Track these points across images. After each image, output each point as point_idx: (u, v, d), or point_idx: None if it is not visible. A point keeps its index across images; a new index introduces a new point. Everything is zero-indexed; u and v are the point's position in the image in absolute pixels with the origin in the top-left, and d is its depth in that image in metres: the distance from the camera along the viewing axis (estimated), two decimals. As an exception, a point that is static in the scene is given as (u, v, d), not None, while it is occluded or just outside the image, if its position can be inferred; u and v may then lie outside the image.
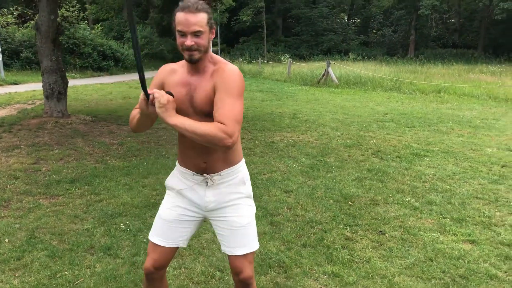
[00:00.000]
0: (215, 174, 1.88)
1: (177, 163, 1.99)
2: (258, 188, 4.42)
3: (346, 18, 44.07)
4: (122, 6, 37.33)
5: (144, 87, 1.67)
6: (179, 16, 1.70)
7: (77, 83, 15.89)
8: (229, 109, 1.68)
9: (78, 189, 4.39)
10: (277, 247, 3.19)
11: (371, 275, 2.82)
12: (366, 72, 17.73)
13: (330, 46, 34.72)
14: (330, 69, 16.29)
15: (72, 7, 21.83)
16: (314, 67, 20.26)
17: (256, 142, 6.69)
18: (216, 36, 28.39)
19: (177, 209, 1.94)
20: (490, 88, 13.31)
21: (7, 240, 3.20)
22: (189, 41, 1.69)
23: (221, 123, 1.65)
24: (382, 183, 4.74)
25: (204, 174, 1.88)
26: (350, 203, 4.13)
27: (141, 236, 3.31)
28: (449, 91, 13.72)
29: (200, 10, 1.68)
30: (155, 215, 3.51)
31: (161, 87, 1.85)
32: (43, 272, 2.77)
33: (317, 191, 4.45)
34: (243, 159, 2.00)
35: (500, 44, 33.18)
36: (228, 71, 1.76)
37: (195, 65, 1.78)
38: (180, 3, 1.70)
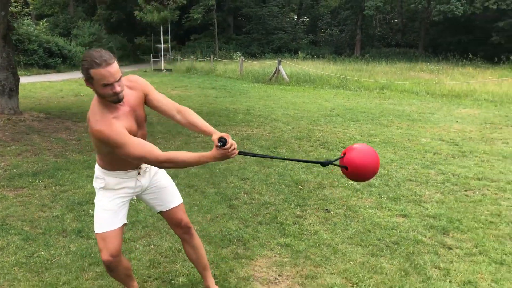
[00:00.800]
0: (143, 165, 2.23)
1: (103, 171, 2.18)
2: (216, 177, 4.77)
3: (295, 18, 45.09)
4: (67, 1, 36.27)
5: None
6: (101, 71, 1.86)
7: (23, 81, 15.39)
8: (168, 102, 2.19)
9: (41, 181, 4.55)
10: (236, 225, 3.56)
11: (318, 244, 3.25)
12: (315, 70, 18.44)
13: (281, 44, 35.49)
14: (281, 67, 16.84)
15: (15, 1, 21.11)
16: (265, 65, 20.77)
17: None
18: (166, 33, 28.39)
19: (118, 199, 2.19)
20: (428, 85, 14.33)
21: (-21, 228, 3.37)
22: (117, 88, 1.92)
23: (179, 109, 2.18)
24: (328, 170, 5.22)
25: (138, 168, 2.21)
26: (300, 187, 4.57)
27: (109, 220, 3.57)
28: (391, 88, 14.61)
29: (112, 58, 1.91)
30: (121, 202, 3.78)
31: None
32: (20, 253, 2.98)
33: (271, 177, 4.86)
34: None
35: (439, 44, 35.26)
36: (138, 79, 2.15)
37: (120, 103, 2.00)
38: (93, 61, 1.86)
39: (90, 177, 4.71)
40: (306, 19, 46.09)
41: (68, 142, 6.37)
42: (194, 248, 2.43)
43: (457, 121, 8.71)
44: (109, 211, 2.17)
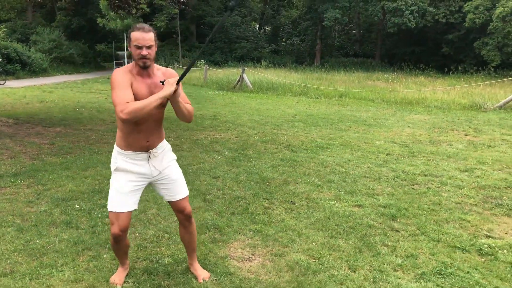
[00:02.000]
0: (154, 148, 2.62)
1: (119, 150, 2.60)
2: (189, 175, 5.16)
3: (257, 27, 45.92)
4: (25, 7, 35.44)
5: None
6: (136, 34, 2.38)
7: (-16, 87, 15.21)
8: (185, 96, 2.54)
9: (23, 181, 4.78)
10: (211, 216, 3.97)
11: (285, 230, 3.71)
12: (278, 78, 19.08)
13: (243, 53, 36.09)
14: (245, 75, 17.36)
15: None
16: (229, 73, 21.25)
17: (182, 139, 7.39)
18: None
19: (130, 183, 2.58)
20: (383, 93, 15.22)
21: (-28, 222, 3.61)
22: (144, 51, 2.39)
23: (187, 102, 2.54)
24: (293, 168, 5.72)
25: (148, 151, 2.59)
26: (268, 183, 5.04)
27: (95, 213, 3.90)
28: (350, 95, 15.41)
29: (151, 30, 2.43)
30: (103, 198, 4.18)
31: (131, 86, 2.43)
32: (17, 241, 3.27)
33: (240, 176, 5.29)
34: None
35: (394, 54, 36.91)
36: (171, 72, 2.59)
37: (146, 71, 2.47)
38: (135, 26, 2.42)
39: (70, 177, 5.00)
40: (267, 28, 47.00)
41: (42, 146, 6.57)
42: (189, 233, 2.83)
43: (408, 126, 9.45)
44: (121, 194, 2.55)
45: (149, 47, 2.40)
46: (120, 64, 27.70)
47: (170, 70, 2.62)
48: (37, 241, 3.30)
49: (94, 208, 4.01)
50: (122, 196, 2.56)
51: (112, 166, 2.61)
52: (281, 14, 44.27)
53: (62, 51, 29.65)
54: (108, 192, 4.39)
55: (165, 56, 33.14)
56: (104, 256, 3.12)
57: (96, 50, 41.92)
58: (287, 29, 43.50)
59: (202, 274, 2.90)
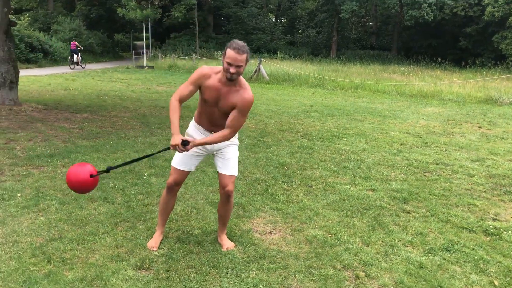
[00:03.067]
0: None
1: (193, 121, 3.10)
2: (212, 159, 5.45)
3: (273, 19, 45.97)
4: (46, -4, 36.11)
5: (165, 149, 2.92)
6: (231, 53, 2.67)
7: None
8: (238, 121, 2.86)
9: (58, 161, 5.14)
10: (234, 195, 4.23)
11: (303, 209, 4.00)
12: (294, 70, 19.28)
13: (260, 44, 36.27)
14: (261, 66, 17.60)
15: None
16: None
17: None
18: (146, 31, 28.75)
19: (193, 148, 2.95)
20: (399, 86, 15.34)
21: (19, 195, 3.97)
22: (233, 70, 2.70)
23: (230, 127, 2.83)
24: (309, 155, 5.99)
25: (212, 132, 2.98)
26: (286, 168, 5.32)
27: (128, 190, 4.23)
28: (365, 88, 15.58)
29: (245, 52, 2.70)
30: (133, 178, 4.52)
31: (197, 86, 2.88)
32: (61, 212, 3.62)
33: (260, 161, 5.59)
34: None
35: (410, 47, 36.72)
36: (247, 95, 2.83)
37: (229, 81, 2.79)
38: (232, 44, 2.70)
39: (101, 158, 5.35)
40: (284, 20, 47.04)
41: (72, 130, 6.94)
42: (225, 208, 3.15)
43: (423, 118, 9.63)
44: (183, 154, 3.00)
45: (238, 67, 2.70)
46: (138, 54, 28.12)
47: (246, 97, 2.82)
48: (78, 212, 3.65)
49: (126, 186, 4.35)
50: (183, 157, 3.02)
51: (187, 131, 3.09)
52: (297, 5, 44.23)
53: (82, 40, 30.20)
54: (138, 172, 4.73)
55: (182, 46, 33.48)
56: (140, 227, 3.45)
57: (114, 39, 42.54)
58: (303, 21, 43.53)
59: (227, 244, 3.21)
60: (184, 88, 2.88)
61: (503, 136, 7.67)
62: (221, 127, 2.92)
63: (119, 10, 27.59)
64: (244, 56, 2.70)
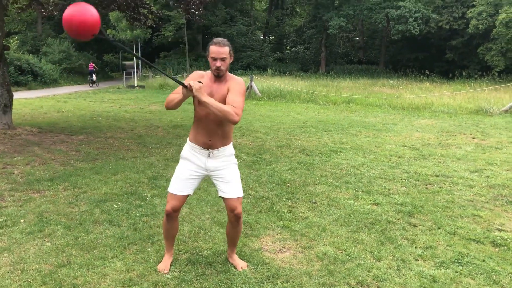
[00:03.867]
0: (215, 149, 2.94)
1: (188, 140, 3.03)
2: (214, 178, 5.44)
3: (262, 36, 46.42)
4: (35, 19, 36.11)
5: (181, 83, 2.63)
6: (212, 48, 2.76)
7: None
8: (237, 100, 2.76)
9: (59, 185, 5.09)
10: (240, 214, 4.25)
11: (310, 226, 3.99)
12: (285, 86, 19.43)
13: (249, 61, 36.56)
14: (253, 83, 17.70)
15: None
16: (236, 82, 21.58)
17: (184, 138, 7.68)
18: (137, 50, 28.83)
19: (188, 171, 2.98)
20: (390, 99, 15.51)
21: (22, 221, 3.92)
22: (218, 63, 2.76)
23: (232, 105, 2.71)
24: (310, 171, 6.01)
25: (209, 149, 2.93)
26: (288, 185, 5.32)
27: (133, 212, 4.19)
28: (357, 102, 15.72)
29: (226, 45, 2.78)
30: (137, 199, 4.49)
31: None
32: (67, 237, 3.57)
33: (261, 178, 5.58)
34: (232, 142, 3.07)
35: (398, 60, 37.31)
36: (237, 79, 2.87)
37: (218, 78, 2.84)
38: (214, 40, 2.79)
39: (102, 180, 5.31)
40: (272, 37, 47.50)
41: (69, 153, 6.89)
42: (235, 230, 3.11)
43: (417, 130, 9.73)
44: (179, 179, 2.97)
45: (223, 59, 2.76)
46: (129, 74, 28.15)
47: (236, 79, 2.88)
48: (85, 237, 3.60)
49: (131, 208, 4.31)
50: (179, 181, 2.97)
51: (181, 154, 3.05)
52: (285, 22, 44.77)
53: (72, 62, 30.22)
54: (140, 193, 4.71)
55: (172, 65, 33.60)
56: (148, 249, 3.41)
57: (104, 60, 42.55)
58: (291, 37, 44.01)
59: (240, 263, 3.19)
60: (177, 89, 2.83)
61: (498, 146, 7.77)
62: (218, 137, 2.90)
63: (109, 31, 27.69)
64: (226, 48, 2.77)
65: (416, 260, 3.33)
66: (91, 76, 26.40)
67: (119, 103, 15.91)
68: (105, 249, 3.37)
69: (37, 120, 10.56)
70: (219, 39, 2.82)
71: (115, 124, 10.25)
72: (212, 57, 2.78)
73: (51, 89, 23.35)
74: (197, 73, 2.97)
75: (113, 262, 3.17)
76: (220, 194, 3.02)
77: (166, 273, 3.04)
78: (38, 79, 24.37)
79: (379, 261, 3.29)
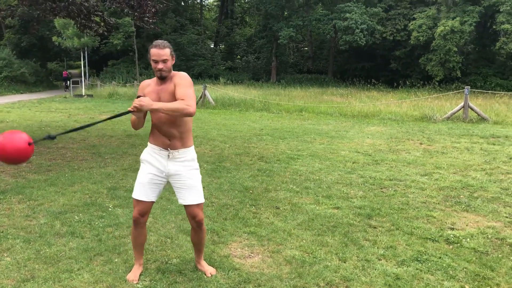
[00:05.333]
0: (175, 150, 2.95)
1: (148, 143, 3.03)
2: (175, 187, 5.41)
3: (212, 45, 46.52)
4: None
5: (125, 112, 2.76)
6: (153, 51, 2.79)
7: None
8: (185, 92, 2.79)
9: (12, 197, 4.87)
10: (205, 221, 4.22)
11: (276, 231, 4.07)
12: (238, 94, 19.56)
13: (201, 70, 36.47)
14: (207, 92, 17.69)
15: None
16: (189, 90, 21.47)
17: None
18: (84, 58, 28.00)
19: (149, 175, 2.97)
20: (340, 107, 16.02)
21: (-24, 236, 3.72)
22: (160, 65, 2.80)
23: (182, 99, 2.74)
24: (270, 177, 6.11)
25: (168, 149, 2.93)
26: (251, 191, 5.39)
27: (96, 223, 4.09)
28: (309, 110, 16.10)
29: (166, 47, 2.82)
30: (98, 210, 4.39)
31: (143, 95, 2.87)
32: (28, 251, 3.43)
33: (223, 186, 5.61)
34: (193, 146, 3.09)
35: (345, 69, 38.62)
36: (180, 74, 2.90)
37: (163, 80, 2.87)
38: (154, 43, 2.84)
39: (59, 192, 5.13)
40: (222, 46, 47.70)
41: (19, 165, 6.58)
42: (199, 236, 3.13)
43: (368, 137, 10.12)
44: (140, 184, 2.98)
45: (164, 61, 2.79)
46: (76, 83, 27.25)
47: (180, 74, 2.88)
48: (47, 250, 3.47)
49: (93, 219, 4.20)
50: (141, 186, 2.97)
51: (141, 157, 3.05)
52: (235, 32, 45.13)
53: (13, 70, 28.86)
54: (101, 204, 4.61)
55: (121, 74, 32.88)
56: (116, 260, 3.35)
57: (47, 68, 40.91)
58: (242, 47, 44.41)
59: (209, 269, 3.21)
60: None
61: (443, 151, 8.25)
62: (177, 138, 2.91)
63: (54, 38, 26.71)
64: (167, 50, 2.81)
65: (379, 259, 3.49)
66: (66, 82, 28.67)
67: (67, 112, 15.36)
68: (70, 262, 3.28)
69: (-20, 131, 10.00)
70: (159, 41, 2.85)
71: (65, 135, 9.90)
72: (153, 60, 2.81)
73: (-8, 98, 22.16)
74: (144, 83, 3.00)
75: (80, 274, 3.08)
76: (180, 201, 3.03)
77: (136, 283, 3.00)
78: (-23, 88, 23.04)
79: (344, 262, 3.42)
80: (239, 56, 45.56)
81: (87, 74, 30.99)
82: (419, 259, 3.48)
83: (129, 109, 2.64)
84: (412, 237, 3.97)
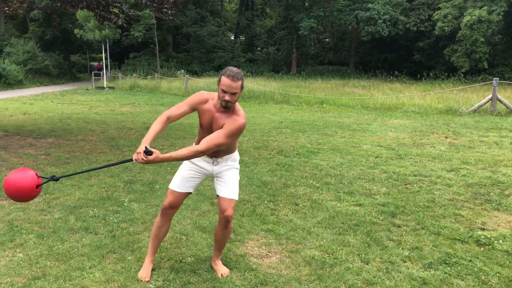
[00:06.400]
0: (219, 158, 2.92)
1: (194, 144, 2.98)
2: (192, 181, 5.29)
3: (232, 37, 46.27)
4: (-3, 18, 34.84)
5: (127, 161, 2.73)
6: (225, 80, 2.63)
7: (-39, 100, 14.90)
8: (213, 137, 2.69)
9: (29, 191, 4.82)
10: (222, 218, 4.12)
11: (295, 229, 3.91)
12: (258, 86, 19.36)
13: (221, 62, 36.26)
14: (226, 84, 17.53)
15: None
16: (210, 82, 21.42)
17: (176, 147, 7.51)
18: (105, 51, 28.17)
19: (190, 171, 2.97)
20: (363, 99, 15.68)
21: (-10, 230, 3.67)
22: (227, 97, 2.65)
23: (201, 143, 2.68)
24: (290, 172, 5.94)
25: (213, 158, 2.91)
26: (269, 187, 5.23)
27: (110, 219, 4.00)
28: (330, 102, 15.82)
29: (239, 79, 2.65)
30: (113, 205, 4.31)
31: (192, 108, 2.82)
32: (41, 247, 3.36)
33: (241, 180, 5.45)
34: (237, 149, 3.01)
35: (367, 61, 37.84)
36: (236, 119, 2.74)
37: (225, 108, 2.73)
38: (227, 71, 2.66)
39: (75, 185, 5.07)
40: (242, 38, 47.40)
41: (38, 157, 6.58)
42: (224, 233, 3.02)
43: (391, 130, 9.83)
44: (181, 177, 2.97)
45: (233, 94, 2.66)
46: (98, 75, 27.49)
47: (235, 118, 2.73)
48: (60, 246, 3.39)
49: (108, 214, 4.12)
50: (181, 179, 2.96)
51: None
52: (255, 23, 44.76)
53: (37, 63, 29.26)
54: (116, 198, 4.52)
55: (142, 66, 33.02)
56: (129, 258, 3.24)
57: (70, 61, 41.47)
58: (262, 38, 44.05)
59: (222, 269, 3.08)
60: (178, 108, 2.81)
61: (470, 145, 7.92)
62: (220, 153, 2.89)
63: (76, 31, 26.93)
64: (239, 83, 2.66)
65: (404, 261, 3.29)
66: (99, 74, 28.83)
67: (89, 104, 15.45)
68: (82, 259, 3.19)
69: (2, 123, 10.10)
70: (234, 70, 2.67)
71: (85, 127, 9.91)
72: (222, 89, 2.66)
73: (16, 90, 22.49)
74: (201, 95, 2.85)
75: (91, 273, 2.99)
76: (217, 192, 3.01)
77: (148, 281, 2.90)
78: (1, 80, 23.44)
79: (367, 264, 3.24)
80: (259, 48, 45.21)
81: (109, 66, 31.25)
82: (447, 262, 3.27)
83: (134, 159, 2.57)
84: (439, 237, 3.75)
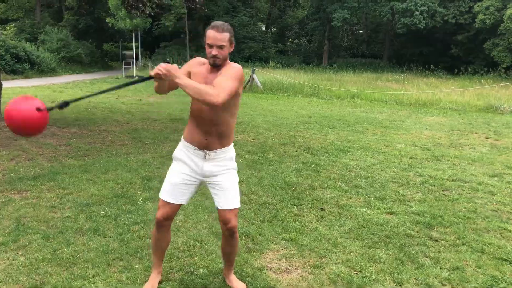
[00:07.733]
0: (212, 151, 2.53)
1: (182, 139, 2.63)
2: (212, 179, 5.01)
3: (264, 27, 45.74)
4: (33, 6, 35.53)
5: (145, 78, 2.37)
6: (209, 32, 2.34)
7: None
8: (222, 81, 2.33)
9: (43, 184, 4.65)
10: (241, 223, 3.81)
11: (319, 239, 3.56)
12: (287, 79, 18.92)
13: (251, 53, 35.90)
14: (255, 76, 17.20)
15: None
16: (238, 74, 21.10)
17: (171, 143, 7.24)
18: (136, 39, 28.28)
19: (181, 175, 2.58)
20: (396, 94, 15.04)
21: (-5, 228, 3.48)
22: (214, 51, 2.33)
23: (213, 86, 2.29)
24: (316, 172, 5.56)
25: (205, 150, 2.51)
26: (293, 188, 4.88)
27: (121, 220, 3.75)
28: (362, 96, 15.24)
29: (225, 30, 2.34)
30: (127, 204, 4.04)
31: (188, 73, 2.47)
32: (44, 250, 3.14)
33: (264, 180, 5.14)
34: (233, 143, 2.64)
35: (402, 54, 36.65)
36: (233, 65, 2.43)
37: (215, 68, 2.41)
38: (213, 23, 2.36)
39: (91, 180, 4.87)
40: (274, 29, 46.80)
41: (58, 148, 6.44)
42: (230, 246, 2.70)
43: (426, 128, 9.28)
44: (171, 184, 2.59)
45: (220, 47, 2.35)
46: (128, 64, 27.63)
47: (231, 64, 2.45)
48: (65, 249, 3.16)
49: (119, 214, 3.87)
50: (171, 187, 2.58)
51: (173, 154, 2.66)
52: (287, 14, 44.06)
53: (70, 51, 29.64)
54: (131, 196, 4.27)
55: (172, 56, 33.03)
56: (136, 266, 2.98)
57: (103, 49, 41.97)
58: (294, 29, 43.39)
59: (238, 285, 2.77)
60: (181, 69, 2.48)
61: (514, 148, 7.32)
62: (215, 137, 2.51)
63: (108, 19, 27.11)
64: (226, 34, 2.35)
65: (443, 285, 2.90)
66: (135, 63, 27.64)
67: (116, 94, 15.38)
68: (86, 266, 2.94)
69: (29, 111, 10.09)
70: (219, 22, 2.39)
71: (110, 117, 9.79)
72: (208, 44, 2.36)
73: (48, 78, 22.82)
74: (197, 60, 2.55)
75: (93, 283, 2.73)
76: (216, 204, 2.63)
77: (154, 296, 2.61)
78: (35, 68, 23.81)
79: (400, 286, 2.87)
80: (290, 39, 44.56)
81: (139, 55, 31.39)
82: (494, 287, 2.86)
83: (151, 74, 2.25)
84: (483, 256, 3.32)
